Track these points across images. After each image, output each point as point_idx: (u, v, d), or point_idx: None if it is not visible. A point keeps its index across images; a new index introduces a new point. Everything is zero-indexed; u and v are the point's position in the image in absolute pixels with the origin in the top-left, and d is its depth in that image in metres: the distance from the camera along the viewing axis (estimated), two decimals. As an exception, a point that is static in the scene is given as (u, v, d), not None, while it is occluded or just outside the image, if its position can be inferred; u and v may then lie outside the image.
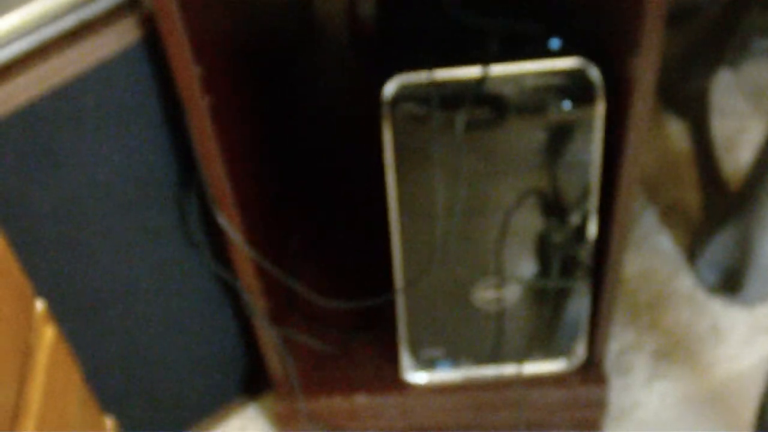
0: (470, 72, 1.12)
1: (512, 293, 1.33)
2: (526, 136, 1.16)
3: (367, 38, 1.76)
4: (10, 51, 1.02)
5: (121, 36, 1.06)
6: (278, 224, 1.53)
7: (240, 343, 1.48)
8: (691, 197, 1.77)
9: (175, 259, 1.29)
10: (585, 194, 1.22)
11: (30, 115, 1.04)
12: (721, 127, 1.84)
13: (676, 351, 1.60)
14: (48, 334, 1.06)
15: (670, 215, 1.76)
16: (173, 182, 1.22)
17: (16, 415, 0.96)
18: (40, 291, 1.11)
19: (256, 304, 1.32)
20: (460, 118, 1.11)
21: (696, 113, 1.81)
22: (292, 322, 1.51)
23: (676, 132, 1.85)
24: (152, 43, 1.08)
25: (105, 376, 1.32)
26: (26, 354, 1.01)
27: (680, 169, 1.80)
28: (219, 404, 1.55)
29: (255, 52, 1.39)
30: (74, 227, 1.17)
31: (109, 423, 1.26)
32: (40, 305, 1.06)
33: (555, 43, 1.14)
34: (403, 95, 1.12)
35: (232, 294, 1.38)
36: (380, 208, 1.24)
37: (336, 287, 1.53)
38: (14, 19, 1.01)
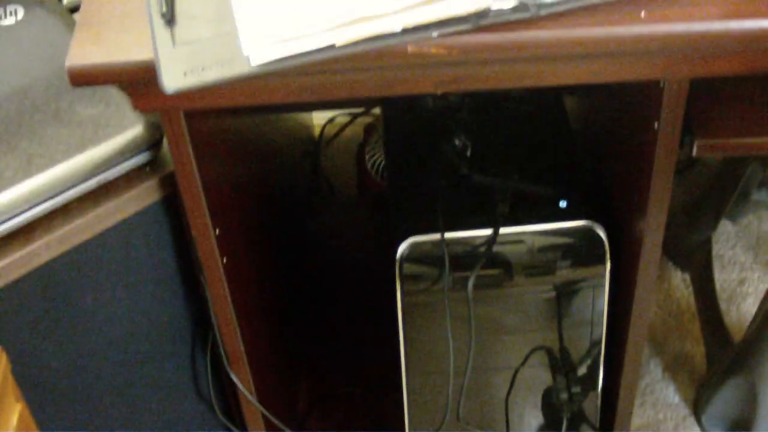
0: (480, 233, 1.14)
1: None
2: (535, 294, 1.18)
3: (377, 190, 1.79)
4: (35, 211, 1.04)
5: (142, 197, 1.09)
6: (288, 377, 1.53)
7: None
8: (696, 348, 1.77)
9: (186, 412, 1.29)
10: (593, 348, 1.23)
11: (49, 272, 1.06)
12: (722, 278, 1.86)
13: (684, 504, 1.59)
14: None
15: (675, 367, 1.76)
16: (186, 338, 1.23)
17: None
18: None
19: (266, 459, 1.32)
20: (471, 279, 1.13)
21: (698, 265, 1.83)
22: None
23: (679, 283, 1.87)
24: (171, 203, 1.11)
25: None
26: None
27: (684, 320, 1.81)
28: None
29: (267, 208, 1.42)
30: (87, 382, 1.17)
31: None
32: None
33: (563, 202, 1.17)
34: (415, 255, 1.14)
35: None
36: (390, 362, 1.25)
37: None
38: (40, 180, 1.03)
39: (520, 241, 1.15)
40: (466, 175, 1.21)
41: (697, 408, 1.69)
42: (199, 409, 1.30)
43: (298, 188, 1.75)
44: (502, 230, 1.14)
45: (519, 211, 1.17)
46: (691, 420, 1.69)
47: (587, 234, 1.15)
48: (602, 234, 1.15)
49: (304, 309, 1.69)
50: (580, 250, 1.16)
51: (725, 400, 1.63)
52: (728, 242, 1.91)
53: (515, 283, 1.16)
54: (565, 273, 1.16)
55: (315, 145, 1.94)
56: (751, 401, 1.59)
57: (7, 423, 0.94)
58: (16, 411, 0.96)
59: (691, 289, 1.84)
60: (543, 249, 1.16)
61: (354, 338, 1.68)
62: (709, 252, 1.82)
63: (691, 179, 1.83)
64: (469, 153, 1.24)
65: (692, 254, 1.84)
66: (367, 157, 1.83)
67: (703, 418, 1.67)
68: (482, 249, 1.14)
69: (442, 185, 1.21)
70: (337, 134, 1.97)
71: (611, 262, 1.16)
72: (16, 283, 1.03)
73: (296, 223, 1.68)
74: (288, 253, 1.57)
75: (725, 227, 1.92)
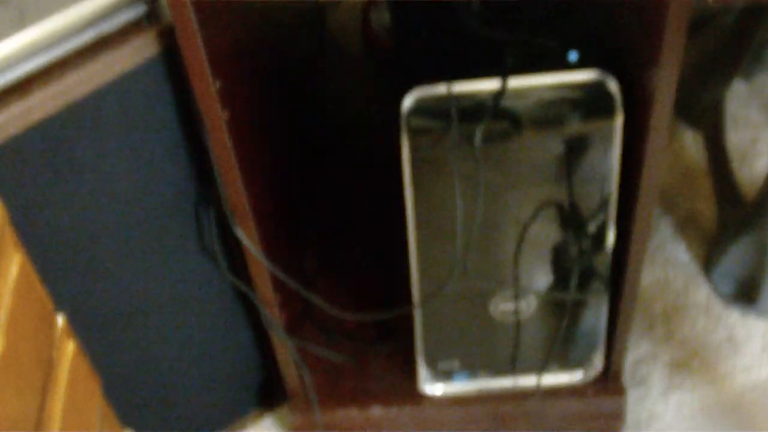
0: (488, 85, 1.12)
1: (529, 305, 1.33)
2: (545, 149, 1.16)
3: (383, 50, 1.76)
4: (30, 66, 1.02)
5: (140, 50, 1.06)
6: (295, 236, 1.53)
7: (256, 355, 1.48)
8: (707, 208, 1.77)
9: (192, 271, 1.29)
10: (603, 205, 1.22)
11: (49, 129, 1.04)
12: (735, 137, 1.84)
13: (692, 361, 1.60)
14: (69, 348, 1.06)
15: (686, 226, 1.76)
16: (191, 195, 1.22)
17: (38, 428, 0.97)
18: (59, 304, 1.11)
19: (273, 316, 1.32)
20: (479, 132, 1.11)
21: (710, 124, 1.81)
22: (308, 333, 1.51)
23: (691, 143, 1.85)
24: (170, 57, 1.08)
25: (123, 389, 1.32)
26: (48, 368, 1.01)
27: (695, 179, 1.80)
28: (235, 416, 1.55)
29: (271, 65, 1.40)
30: (92, 240, 1.17)
31: (128, 436, 1.26)
32: (60, 320, 1.06)
33: (573, 55, 1.14)
34: (421, 108, 1.12)
35: (248, 306, 1.39)
36: (398, 220, 1.24)
37: (352, 299, 1.53)
38: (33, 33, 1.01)
39: (529, 94, 1.13)
40: (474, 28, 1.19)
41: (706, 266, 1.70)
42: (206, 266, 1.29)
43: (304, 49, 1.72)
44: (511, 83, 1.11)
45: (528, 63, 1.14)
46: (701, 278, 1.70)
47: (598, 86, 1.12)
48: (613, 86, 1.12)
49: (309, 169, 1.68)
50: (591, 103, 1.13)
51: (735, 259, 1.63)
52: (741, 102, 1.88)
53: (524, 137, 1.14)
54: (575, 126, 1.14)
55: (320, 7, 1.91)
56: (760, 259, 1.59)
57: (6, 271, 0.93)
58: (16, 260, 0.96)
59: (702, 148, 1.83)
60: (552, 101, 1.13)
61: (360, 199, 1.68)
62: (721, 111, 1.80)
63: (705, 38, 1.80)
64: (476, 7, 1.21)
65: (705, 114, 1.82)
66: (372, 17, 1.80)
67: (713, 276, 1.68)
68: (490, 101, 1.11)
69: (449, 39, 1.19)
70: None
71: (623, 117, 1.14)
72: (15, 138, 1.02)
73: (302, 82, 1.66)
74: (294, 112, 1.55)
75: (738, 86, 1.90)
